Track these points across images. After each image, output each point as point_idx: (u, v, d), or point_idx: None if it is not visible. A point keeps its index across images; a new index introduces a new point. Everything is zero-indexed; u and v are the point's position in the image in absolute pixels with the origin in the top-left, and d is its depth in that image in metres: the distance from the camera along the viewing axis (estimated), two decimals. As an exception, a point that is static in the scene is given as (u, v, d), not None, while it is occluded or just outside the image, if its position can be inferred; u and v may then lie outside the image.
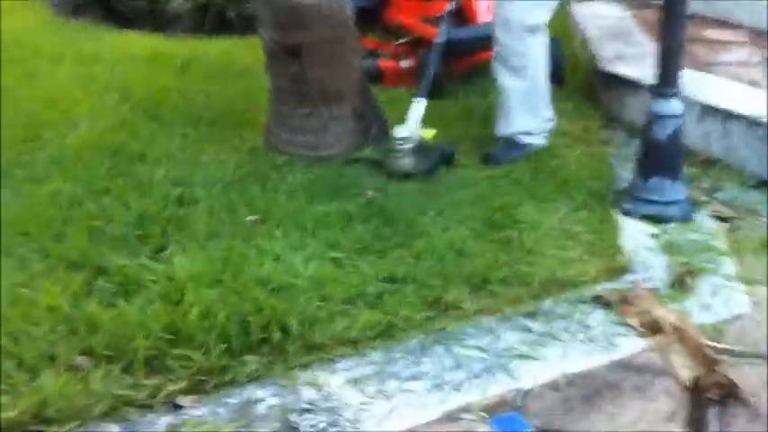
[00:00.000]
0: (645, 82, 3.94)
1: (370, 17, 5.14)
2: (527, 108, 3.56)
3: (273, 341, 2.31)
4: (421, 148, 3.47)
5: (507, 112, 3.59)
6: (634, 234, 3.04)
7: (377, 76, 4.48)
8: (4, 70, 4.60)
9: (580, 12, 5.50)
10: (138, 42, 5.41)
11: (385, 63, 4.64)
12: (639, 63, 4.27)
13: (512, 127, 3.59)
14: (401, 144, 3.43)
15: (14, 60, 4.80)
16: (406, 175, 3.38)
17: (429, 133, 3.56)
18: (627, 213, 3.18)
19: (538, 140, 3.64)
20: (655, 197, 3.16)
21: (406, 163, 3.43)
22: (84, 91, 4.26)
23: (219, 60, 4.97)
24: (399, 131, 3.46)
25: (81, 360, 2.20)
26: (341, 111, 3.57)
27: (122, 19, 6.15)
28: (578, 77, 4.59)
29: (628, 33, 4.97)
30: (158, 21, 6.06)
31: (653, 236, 3.03)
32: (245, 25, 5.85)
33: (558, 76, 4.10)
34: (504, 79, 3.54)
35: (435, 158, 3.48)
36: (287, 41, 3.47)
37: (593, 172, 3.52)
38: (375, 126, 3.69)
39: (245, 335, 2.32)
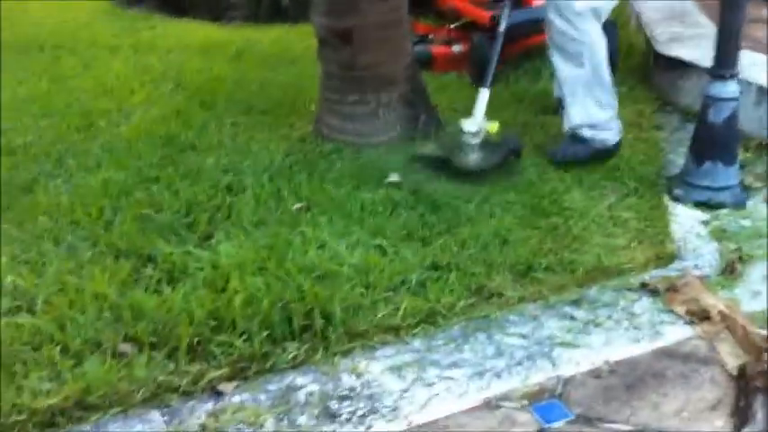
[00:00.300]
0: (702, 64, 3.86)
1: (423, 1, 5.13)
2: (590, 98, 3.31)
3: (315, 328, 2.33)
4: (488, 143, 3.31)
5: (569, 104, 3.37)
6: (685, 220, 2.99)
7: (428, 62, 4.46)
8: (61, 59, 4.72)
9: (636, -7, 5.39)
10: (194, 31, 5.49)
11: (437, 48, 4.61)
12: (697, 45, 4.17)
13: (574, 119, 3.37)
14: (470, 138, 3.29)
15: (71, 50, 4.93)
16: (476, 172, 3.23)
17: (493, 126, 3.34)
18: (678, 199, 3.12)
19: (606, 135, 3.36)
20: (707, 182, 3.10)
21: (475, 158, 3.28)
22: (138, 80, 4.34)
23: (273, 48, 5.02)
24: (468, 125, 3.30)
25: (125, 347, 2.24)
26: (390, 97, 3.56)
27: (178, 8, 6.24)
28: (634, 60, 4.51)
29: (685, 14, 4.85)
30: (214, 9, 6.13)
31: (704, 222, 2.97)
32: (299, 13, 5.87)
33: (613, 59, 4.00)
34: (562, 67, 3.34)
35: (504, 152, 3.32)
36: (339, 26, 3.47)
37: (645, 157, 3.47)
38: (424, 113, 3.67)
39: (288, 322, 2.34)
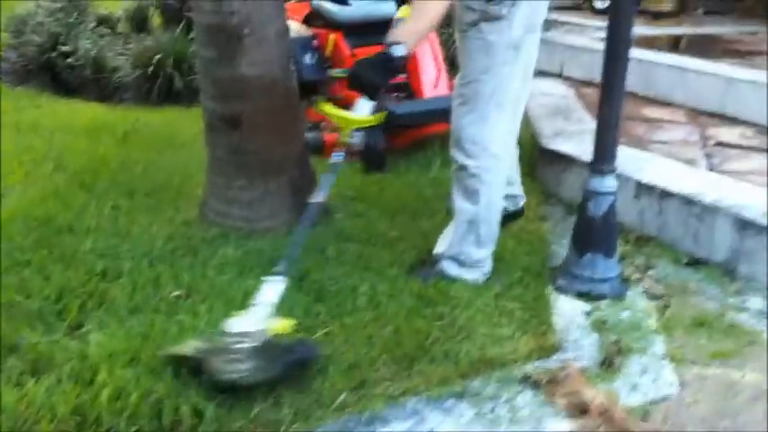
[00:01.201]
0: (583, 158, 3.99)
1: (317, 90, 5.17)
2: (472, 235, 3.15)
3: (185, 425, 2.22)
4: (268, 348, 2.42)
5: (447, 232, 3.24)
6: (567, 311, 3.02)
7: (321, 149, 4.47)
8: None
9: (524, 88, 5.57)
10: (81, 111, 5.38)
11: (329, 136, 4.63)
12: (579, 140, 4.32)
13: (446, 250, 3.20)
14: (236, 342, 2.39)
15: (-52, 129, 4.73)
16: (240, 386, 2.38)
17: (285, 326, 2.50)
18: (561, 290, 3.17)
19: (474, 276, 3.17)
20: (588, 273, 3.15)
21: (241, 369, 2.37)
22: (17, 160, 4.18)
23: (162, 131, 4.95)
24: (234, 324, 2.42)
25: (-19, 443, 2.08)
26: (278, 183, 3.52)
27: (67, 87, 6.13)
28: (520, 153, 4.60)
29: (569, 110, 5.05)
30: (104, 89, 6.05)
31: (586, 313, 3.01)
32: (192, 96, 5.86)
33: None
34: (457, 200, 3.16)
35: (286, 364, 2.46)
36: (227, 111, 3.44)
37: (530, 248, 3.51)
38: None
39: (158, 418, 2.22)
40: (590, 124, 4.63)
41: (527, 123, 4.81)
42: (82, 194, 3.77)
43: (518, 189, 3.58)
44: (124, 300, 2.80)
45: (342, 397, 2.41)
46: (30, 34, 6.65)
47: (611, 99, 3.12)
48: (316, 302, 2.91)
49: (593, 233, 3.17)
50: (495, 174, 3.12)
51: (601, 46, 3.18)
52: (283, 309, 2.77)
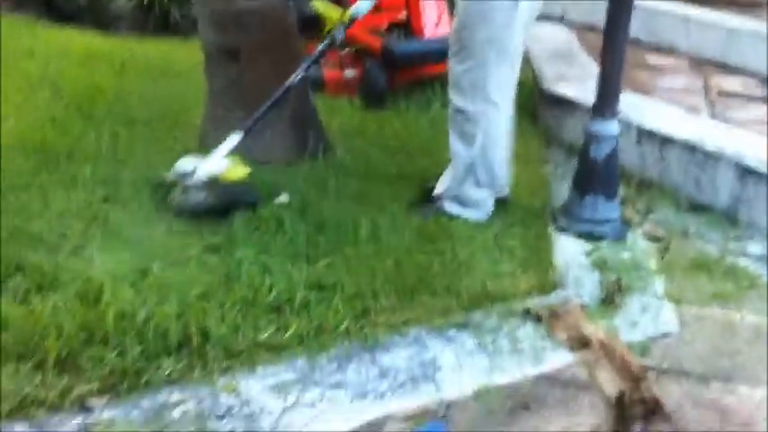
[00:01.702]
0: (585, 103, 3.97)
1: (317, 25, 5.11)
2: (468, 178, 3.16)
3: (193, 345, 2.23)
4: (211, 186, 2.98)
5: (447, 173, 3.23)
6: (567, 250, 3.04)
7: (320, 85, 4.43)
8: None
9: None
10: (77, 40, 5.28)
11: (329, 72, 4.59)
12: (581, 84, 4.29)
13: (446, 190, 3.21)
14: (183, 177, 2.99)
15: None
16: (189, 213, 2.95)
17: (236, 172, 3.01)
18: (561, 230, 3.18)
19: (474, 215, 3.19)
20: (589, 215, 3.17)
21: (186, 199, 2.97)
22: (14, 86, 4.12)
23: (159, 61, 4.88)
24: (182, 163, 3.03)
25: (-12, 356, 2.09)
26: (278, 116, 3.49)
27: (63, 15, 6.02)
28: (522, 97, 4.57)
29: (571, 55, 5.01)
30: (100, 18, 5.94)
31: (586, 253, 3.03)
32: (188, 27, 5.76)
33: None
34: (453, 142, 3.17)
35: (225, 198, 2.99)
36: (226, 44, 3.40)
37: (530, 189, 3.51)
38: (313, 134, 3.63)
39: (163, 337, 2.23)
40: (592, 69, 4.60)
41: (529, 67, 4.79)
42: (80, 122, 3.73)
43: (505, 174, 3.34)
44: (126, 225, 2.79)
45: (345, 324, 2.43)
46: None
47: (614, 43, 3.11)
48: (317, 234, 2.91)
49: (595, 176, 3.18)
50: (492, 120, 3.09)
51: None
52: (285, 237, 2.80)
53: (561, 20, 6.01)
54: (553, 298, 2.70)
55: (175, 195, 2.96)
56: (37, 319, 2.24)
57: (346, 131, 3.98)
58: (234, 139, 3.08)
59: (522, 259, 2.92)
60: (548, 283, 2.78)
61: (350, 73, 4.58)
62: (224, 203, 2.96)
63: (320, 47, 3.38)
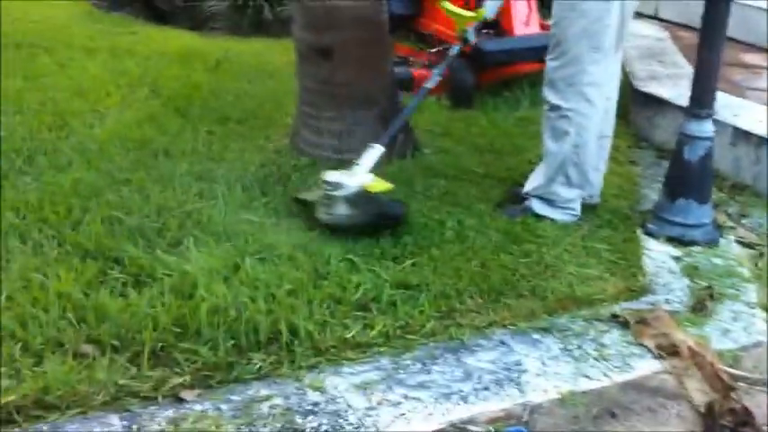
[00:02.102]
0: (677, 102, 3.91)
1: (406, 24, 5.14)
2: (560, 174, 3.12)
3: (282, 341, 2.29)
4: (359, 200, 2.89)
5: (537, 171, 3.22)
6: (657, 255, 3.00)
7: (408, 84, 4.46)
8: (37, 58, 4.65)
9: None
10: (173, 39, 5.45)
11: (417, 71, 4.61)
12: (674, 84, 4.23)
13: (534, 189, 3.19)
14: (331, 190, 2.87)
15: (47, 49, 4.86)
16: (332, 228, 2.89)
17: (378, 186, 2.91)
18: (651, 234, 3.13)
19: (562, 216, 3.15)
20: (680, 219, 3.12)
21: (333, 213, 2.89)
22: (114, 83, 4.29)
23: (252, 61, 4.99)
24: (330, 175, 2.91)
25: (87, 348, 2.18)
26: (367, 115, 3.54)
27: (159, 15, 6.22)
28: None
29: (664, 54, 4.92)
30: (195, 18, 6.11)
31: (676, 258, 2.98)
32: (281, 27, 5.88)
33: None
34: (546, 140, 3.14)
35: (371, 214, 2.91)
36: (319, 42, 3.46)
37: (619, 191, 3.48)
38: (401, 134, 3.65)
39: (254, 333, 2.30)
40: (685, 68, 4.54)
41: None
42: (176, 119, 3.86)
43: (599, 178, 3.29)
44: (220, 221, 2.87)
45: (430, 324, 2.45)
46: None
47: (711, 43, 3.04)
48: (404, 234, 2.94)
49: (688, 178, 3.12)
50: (586, 118, 3.04)
51: (698, -13, 3.09)
52: (369, 238, 2.84)
53: (654, 17, 5.90)
54: (642, 303, 2.68)
55: (321, 209, 2.91)
56: (133, 311, 2.32)
57: (434, 131, 4.00)
58: (376, 152, 3.02)
59: (609, 263, 2.89)
60: (636, 288, 2.75)
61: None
62: (372, 218, 2.90)
63: (454, 48, 3.54)
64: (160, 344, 2.23)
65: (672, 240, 3.09)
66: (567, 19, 2.96)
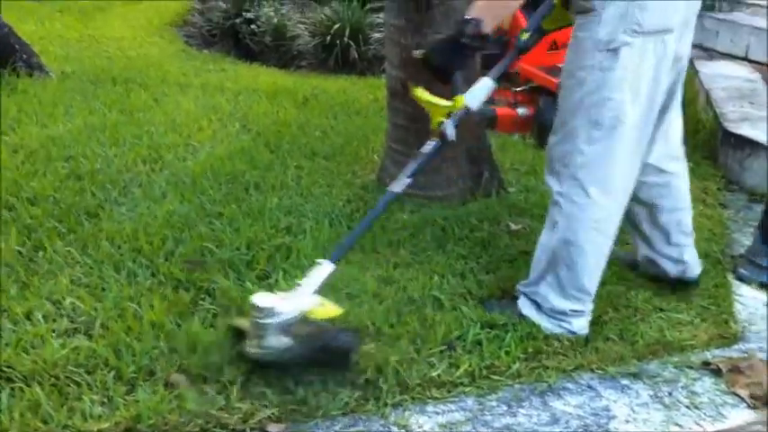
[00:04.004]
0: (770, 145, 3.83)
1: (492, 63, 5.15)
2: (548, 277, 2.61)
3: (368, 377, 2.30)
4: (298, 330, 2.26)
5: (533, 263, 2.70)
6: (749, 301, 2.92)
7: (492, 122, 4.46)
8: (132, 93, 4.81)
9: (705, 71, 5.38)
10: (262, 76, 5.58)
11: (501, 110, 4.61)
12: (766, 126, 4.14)
13: (523, 285, 2.71)
14: (260, 317, 2.24)
15: (143, 85, 5.03)
16: (264, 365, 2.28)
17: (324, 312, 2.32)
18: (743, 279, 3.06)
19: (545, 323, 2.61)
20: (774, 265, 3.03)
21: (262, 346, 2.25)
22: (206, 118, 4.41)
23: (339, 98, 5.07)
24: (259, 299, 2.26)
25: (178, 378, 2.23)
26: (455, 153, 3.55)
27: (248, 53, 6.39)
28: (701, 137, 4.47)
29: (755, 95, 4.83)
30: (283, 56, 6.27)
31: (770, 305, 2.90)
32: (366, 65, 5.99)
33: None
34: (545, 226, 2.68)
35: (311, 348, 2.26)
36: (410, 80, 3.49)
37: (709, 234, 3.41)
38: (487, 171, 3.66)
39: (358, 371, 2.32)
40: (778, 110, 4.45)
41: (710, 107, 4.66)
42: (266, 154, 3.93)
43: (685, 253, 2.90)
44: (307, 254, 2.91)
45: (516, 366, 2.43)
46: (215, 0, 6.94)
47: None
48: (488, 273, 2.93)
49: (783, 222, 3.05)
50: (579, 208, 2.53)
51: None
52: (455, 275, 2.83)
53: (745, 58, 5.80)
54: (734, 351, 2.61)
55: (249, 340, 2.29)
56: (221, 343, 2.37)
57: (519, 169, 3.99)
58: (324, 269, 2.39)
59: (700, 308, 2.83)
60: (728, 335, 2.68)
61: (523, 111, 4.57)
62: (312, 352, 2.26)
63: (429, 145, 2.68)
64: (248, 376, 2.26)
65: (765, 286, 3.01)
66: (565, 88, 2.55)
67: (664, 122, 2.66)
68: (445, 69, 2.71)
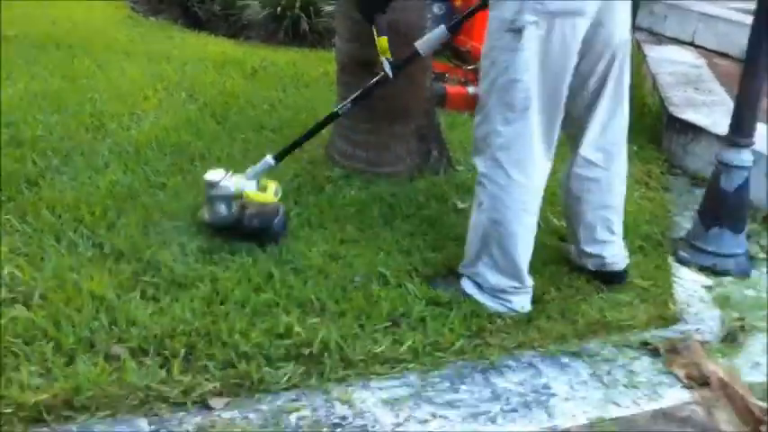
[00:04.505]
0: (713, 130, 3.89)
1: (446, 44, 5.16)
2: (483, 256, 2.63)
3: (312, 352, 2.29)
4: (240, 203, 2.84)
5: (466, 247, 2.72)
6: (688, 284, 2.98)
7: (442, 100, 4.47)
8: (76, 59, 4.70)
9: (653, 55, 5.44)
10: (211, 46, 5.49)
11: (452, 88, 4.62)
12: (710, 111, 4.22)
13: (463, 265, 2.73)
14: (209, 189, 2.85)
15: (86, 51, 4.91)
16: (209, 225, 2.86)
17: (260, 197, 2.87)
18: (683, 262, 3.12)
19: (489, 302, 2.63)
20: (713, 248, 3.10)
21: (208, 210, 2.87)
22: (152, 87, 4.32)
23: (288, 70, 5.01)
24: (211, 174, 2.87)
25: (118, 350, 2.20)
26: (404, 129, 3.55)
27: (197, 22, 6.27)
28: (646, 121, 4.53)
29: (700, 81, 4.90)
30: (232, 26, 6.16)
31: (708, 288, 2.97)
32: (317, 38, 5.92)
33: None
34: (473, 205, 2.71)
35: (245, 218, 2.83)
36: (361, 55, 3.46)
37: (651, 217, 3.46)
38: (436, 149, 3.66)
39: (284, 343, 2.30)
40: (721, 96, 4.52)
41: (656, 91, 4.72)
42: (212, 125, 3.88)
43: (605, 250, 2.84)
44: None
45: (459, 342, 2.45)
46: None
47: (753, 72, 3.04)
48: (434, 251, 2.94)
49: (723, 207, 3.11)
50: (502, 189, 2.54)
51: (738, 16, 3.08)
52: (402, 251, 2.84)
53: (691, 44, 5.88)
54: (672, 332, 2.66)
55: (204, 209, 2.88)
56: (166, 316, 2.34)
57: (467, 148, 3.98)
58: (266, 162, 2.93)
59: (640, 289, 2.87)
60: (667, 317, 2.73)
61: (473, 89, 4.59)
62: (245, 223, 2.82)
63: (371, 84, 3.01)
64: (190, 351, 2.24)
65: (704, 269, 3.08)
66: (482, 68, 2.56)
67: (596, 113, 2.66)
68: (365, 11, 2.92)
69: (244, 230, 2.81)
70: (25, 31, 5.24)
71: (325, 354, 2.31)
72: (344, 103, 3.02)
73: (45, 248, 2.64)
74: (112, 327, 2.29)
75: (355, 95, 3.01)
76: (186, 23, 6.25)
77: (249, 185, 2.88)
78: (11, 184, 3.03)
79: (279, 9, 5.97)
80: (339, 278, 2.67)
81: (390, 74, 2.94)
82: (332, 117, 3.06)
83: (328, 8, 5.88)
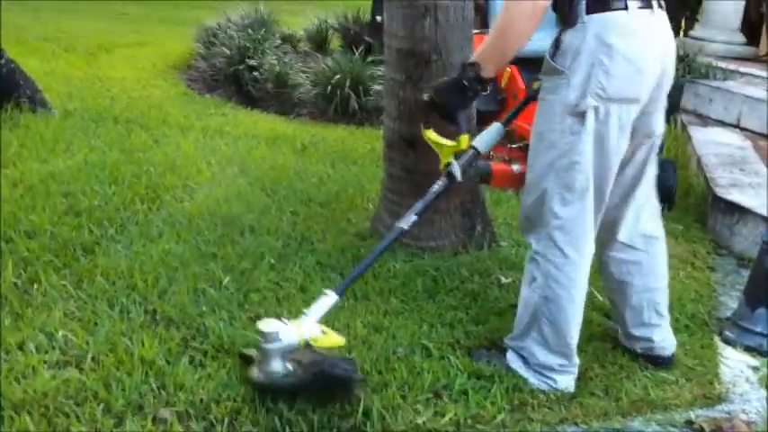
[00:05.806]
0: (758, 211, 3.90)
1: (490, 120, 5.24)
2: (533, 332, 2.65)
3: (355, 422, 2.32)
4: (300, 356, 2.34)
5: (516, 321, 2.74)
6: (734, 363, 2.95)
7: (487, 177, 4.52)
8: (134, 134, 4.88)
9: (698, 137, 5.48)
10: (262, 122, 5.67)
11: (496, 165, 4.67)
12: (756, 192, 4.22)
13: (510, 338, 2.74)
14: (264, 342, 2.30)
15: (144, 126, 5.11)
16: (266, 389, 2.36)
17: (326, 341, 2.37)
18: (728, 342, 3.10)
19: (533, 379, 2.64)
20: (760, 328, 3.08)
21: (265, 371, 2.33)
22: (205, 161, 4.47)
23: (337, 146, 5.14)
24: (266, 324, 2.32)
25: (166, 413, 2.25)
26: (448, 205, 3.61)
27: (250, 99, 6.49)
28: (691, 201, 4.55)
29: (745, 162, 4.92)
30: (284, 104, 6.35)
31: (754, 368, 2.93)
32: (365, 116, 6.08)
33: (669, 197, 4.01)
34: (523, 280, 2.72)
35: (310, 374, 2.30)
36: (407, 132, 3.56)
37: (696, 296, 3.45)
38: (480, 224, 3.71)
39: (327, 411, 2.33)
40: (766, 177, 4.53)
41: (701, 172, 4.74)
42: (263, 198, 3.99)
43: (655, 333, 2.85)
44: (299, 300, 2.94)
45: (501, 416, 2.45)
46: (219, 47, 7.07)
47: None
48: (477, 324, 2.96)
49: (768, 288, 3.10)
50: (556, 268, 2.57)
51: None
52: (444, 325, 2.87)
53: (737, 126, 5.91)
54: (718, 412, 2.63)
55: (254, 366, 2.38)
56: (212, 383, 2.39)
57: (512, 224, 4.04)
58: (329, 300, 2.47)
59: (685, 368, 2.86)
60: (712, 396, 2.70)
61: (517, 167, 4.64)
62: (311, 378, 2.30)
63: (436, 185, 2.83)
64: (235, 415, 2.28)
65: (750, 350, 3.04)
66: (536, 150, 2.60)
67: (634, 198, 2.72)
68: (448, 109, 2.80)
69: (316, 387, 2.32)
70: (85, 105, 5.47)
71: (367, 423, 2.33)
72: (408, 215, 2.74)
73: (98, 314, 2.73)
74: (161, 391, 2.34)
75: (420, 209, 2.77)
76: (240, 101, 6.48)
77: (314, 330, 2.37)
78: (67, 251, 3.15)
79: (329, 88, 6.16)
80: (382, 349, 2.70)
81: (460, 177, 2.81)
82: (396, 234, 2.74)
83: (377, 87, 6.04)
